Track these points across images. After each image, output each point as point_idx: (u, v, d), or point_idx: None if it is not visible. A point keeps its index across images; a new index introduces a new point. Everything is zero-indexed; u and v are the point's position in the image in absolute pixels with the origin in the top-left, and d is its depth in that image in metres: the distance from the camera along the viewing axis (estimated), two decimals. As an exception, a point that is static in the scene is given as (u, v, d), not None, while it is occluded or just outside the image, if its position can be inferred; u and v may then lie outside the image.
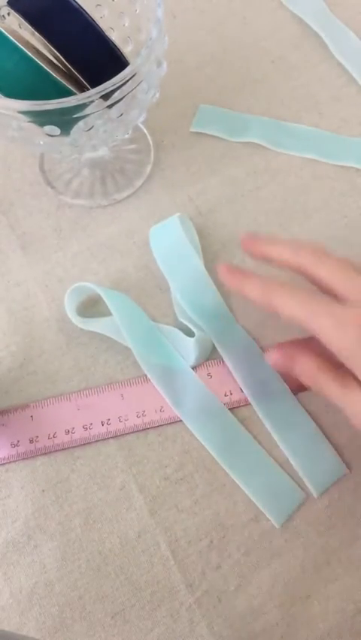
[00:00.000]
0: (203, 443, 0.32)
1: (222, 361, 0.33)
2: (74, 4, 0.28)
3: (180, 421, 0.32)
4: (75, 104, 0.26)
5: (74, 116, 0.27)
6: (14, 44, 0.27)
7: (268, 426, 0.32)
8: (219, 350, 0.34)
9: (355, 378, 0.24)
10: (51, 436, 0.32)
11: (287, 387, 0.32)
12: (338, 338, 0.24)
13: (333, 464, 0.31)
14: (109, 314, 0.34)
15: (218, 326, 0.34)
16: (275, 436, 0.32)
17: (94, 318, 0.34)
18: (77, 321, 0.34)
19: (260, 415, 0.32)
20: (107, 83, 0.26)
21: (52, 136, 0.28)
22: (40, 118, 0.27)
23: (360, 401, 0.24)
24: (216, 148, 0.40)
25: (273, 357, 0.28)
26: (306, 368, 0.26)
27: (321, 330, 0.24)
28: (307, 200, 0.39)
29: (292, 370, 0.27)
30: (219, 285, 0.35)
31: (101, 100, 0.27)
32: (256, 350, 0.33)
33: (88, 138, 0.29)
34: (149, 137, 0.41)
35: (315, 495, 0.31)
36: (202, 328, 0.34)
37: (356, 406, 0.24)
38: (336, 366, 0.25)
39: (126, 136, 0.33)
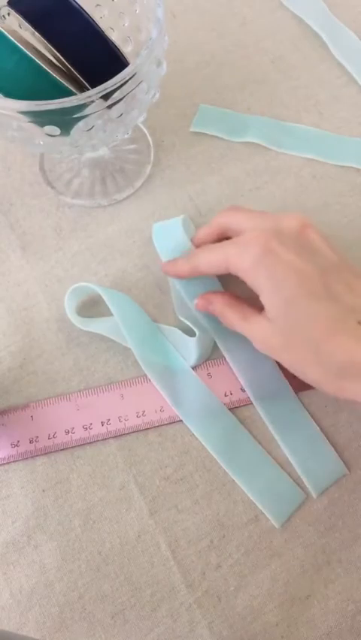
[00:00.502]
0: (203, 443, 0.32)
1: (223, 361, 0.33)
2: (74, 4, 0.28)
3: (180, 421, 0.32)
4: (75, 104, 0.26)
5: (74, 116, 0.27)
6: (14, 44, 0.27)
7: (268, 425, 0.32)
8: (221, 348, 0.34)
9: (254, 310, 0.29)
10: (51, 436, 0.32)
11: (289, 386, 0.32)
12: (241, 262, 0.28)
13: (333, 464, 0.31)
14: (109, 314, 0.34)
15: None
16: (276, 436, 0.32)
17: (94, 319, 0.34)
18: (77, 321, 0.34)
19: (261, 414, 0.32)
20: (107, 83, 0.26)
21: (52, 136, 0.28)
22: (41, 118, 0.27)
23: (256, 328, 0.28)
24: (216, 148, 0.40)
25: (197, 302, 0.32)
26: (217, 306, 0.31)
27: (230, 262, 0.28)
28: (307, 200, 0.39)
29: (208, 309, 0.32)
30: (223, 281, 0.35)
31: (101, 100, 0.27)
32: None
33: (88, 138, 0.29)
34: (149, 137, 0.41)
35: (314, 495, 0.31)
36: (204, 325, 0.34)
37: (253, 332, 0.28)
38: (242, 304, 0.30)
39: (126, 136, 0.33)
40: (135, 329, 0.33)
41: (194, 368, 0.33)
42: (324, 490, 0.31)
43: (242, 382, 0.33)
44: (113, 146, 0.40)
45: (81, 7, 0.28)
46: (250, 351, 0.33)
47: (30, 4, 0.28)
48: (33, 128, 0.28)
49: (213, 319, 0.34)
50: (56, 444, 0.32)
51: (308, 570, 0.30)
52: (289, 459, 0.31)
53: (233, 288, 0.33)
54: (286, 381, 0.33)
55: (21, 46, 0.27)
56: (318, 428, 0.32)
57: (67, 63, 0.28)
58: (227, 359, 0.33)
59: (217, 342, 0.34)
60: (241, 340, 0.34)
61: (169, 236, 0.35)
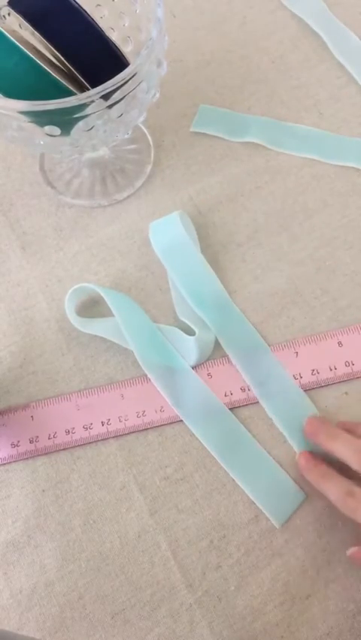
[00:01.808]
0: (203, 443, 0.32)
1: (223, 361, 0.33)
2: (74, 4, 0.28)
3: (180, 421, 0.32)
4: (75, 104, 0.26)
5: (75, 116, 0.27)
6: (14, 44, 0.27)
7: (274, 420, 0.32)
8: (223, 344, 0.34)
9: None
10: (51, 436, 0.32)
11: (294, 381, 0.33)
12: None
13: None
14: (109, 314, 0.34)
15: (221, 317, 0.34)
16: (281, 428, 0.32)
17: (94, 319, 0.34)
18: (77, 323, 0.34)
19: (266, 410, 0.32)
20: (108, 83, 0.26)
21: (52, 136, 0.28)
22: (41, 118, 0.27)
23: None
24: (216, 148, 0.40)
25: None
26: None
27: None
28: (307, 200, 0.39)
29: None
30: (223, 278, 0.35)
31: (101, 100, 0.27)
32: (260, 342, 0.33)
33: (88, 138, 0.29)
34: (149, 137, 0.41)
35: None
36: (205, 322, 0.34)
37: None
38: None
39: (126, 136, 0.33)
40: (135, 329, 0.33)
41: (194, 368, 0.33)
42: None
43: (247, 380, 0.33)
44: (113, 146, 0.40)
45: (81, 7, 0.28)
46: (253, 350, 0.33)
47: (30, 4, 0.28)
48: (33, 128, 0.28)
49: (214, 312, 0.34)
50: (56, 444, 0.32)
51: (308, 570, 0.30)
52: (293, 447, 0.31)
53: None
54: (291, 376, 0.33)
55: (21, 46, 0.27)
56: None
57: (67, 63, 0.28)
58: (231, 358, 0.33)
59: (221, 342, 0.34)
60: (244, 339, 0.34)
61: (167, 232, 0.35)
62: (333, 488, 0.28)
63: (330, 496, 0.28)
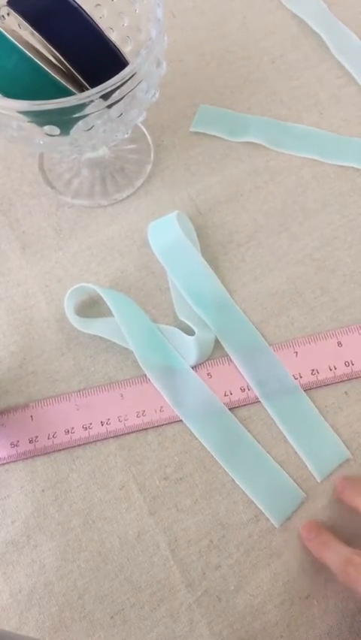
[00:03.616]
0: (203, 443, 0.32)
1: (223, 361, 0.33)
2: (74, 4, 0.28)
3: (180, 421, 0.32)
4: (75, 103, 0.26)
5: (74, 115, 0.27)
6: (14, 44, 0.27)
7: (275, 419, 0.32)
8: (223, 343, 0.34)
9: None
10: (51, 436, 0.32)
11: (294, 380, 0.33)
12: None
13: (337, 449, 0.31)
14: (109, 314, 0.34)
15: (221, 317, 0.34)
16: (282, 428, 0.32)
17: (94, 319, 0.34)
18: (77, 323, 0.34)
19: (268, 409, 0.32)
20: (107, 82, 0.26)
21: (52, 136, 0.28)
22: (40, 118, 0.27)
23: None
24: (216, 148, 0.40)
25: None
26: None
27: None
28: (307, 200, 0.39)
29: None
30: (223, 278, 0.35)
31: (100, 100, 0.27)
32: (260, 340, 0.34)
33: (88, 138, 0.29)
34: (149, 137, 0.41)
35: (318, 480, 0.31)
36: (205, 322, 0.34)
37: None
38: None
39: (126, 136, 0.33)
40: (135, 329, 0.33)
41: (194, 368, 0.33)
42: (328, 475, 0.31)
43: (248, 380, 0.33)
44: (113, 146, 0.40)
45: (81, 7, 0.28)
46: (253, 350, 0.33)
47: (29, 4, 0.28)
48: (33, 127, 0.28)
49: (214, 312, 0.34)
50: (55, 444, 0.32)
51: (308, 570, 0.30)
52: (294, 447, 0.31)
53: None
54: (292, 375, 0.33)
55: (21, 46, 0.27)
56: (321, 417, 0.32)
57: (67, 63, 0.29)
58: (231, 358, 0.33)
59: (221, 341, 0.34)
60: (244, 339, 0.34)
61: (165, 233, 0.35)
62: (334, 557, 0.27)
63: (330, 566, 0.27)
